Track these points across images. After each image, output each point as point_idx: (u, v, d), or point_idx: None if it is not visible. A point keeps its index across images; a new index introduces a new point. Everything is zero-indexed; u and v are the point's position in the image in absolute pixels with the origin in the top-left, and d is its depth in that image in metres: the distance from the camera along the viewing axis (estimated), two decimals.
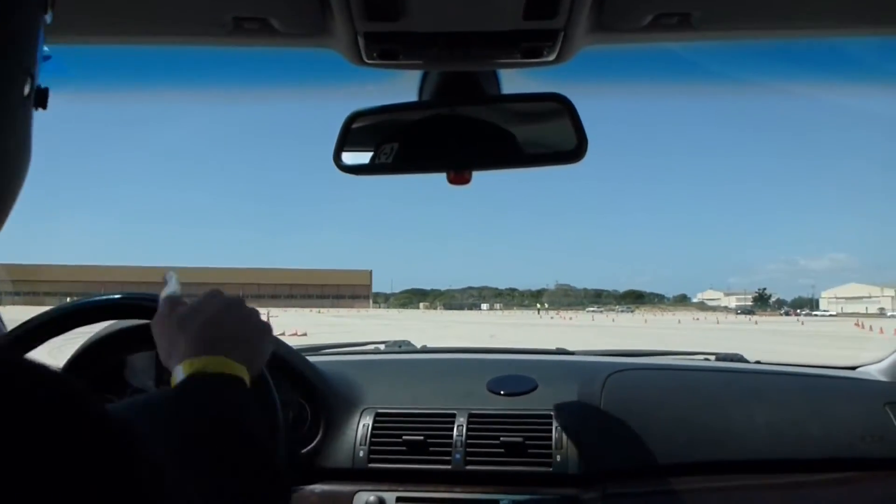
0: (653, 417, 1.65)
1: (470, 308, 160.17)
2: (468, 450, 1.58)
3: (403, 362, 2.05)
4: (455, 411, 1.64)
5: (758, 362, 2.07)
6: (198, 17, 1.06)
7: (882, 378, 1.83)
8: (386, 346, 2.34)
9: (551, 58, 1.13)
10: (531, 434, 1.58)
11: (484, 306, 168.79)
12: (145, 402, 0.85)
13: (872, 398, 1.71)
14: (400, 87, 1.32)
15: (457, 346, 2.37)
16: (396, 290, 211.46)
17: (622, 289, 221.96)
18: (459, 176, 1.27)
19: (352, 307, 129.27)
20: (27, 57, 0.54)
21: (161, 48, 1.25)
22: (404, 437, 1.60)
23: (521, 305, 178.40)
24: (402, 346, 2.35)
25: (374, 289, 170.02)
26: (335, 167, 1.28)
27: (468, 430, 1.60)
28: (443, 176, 1.28)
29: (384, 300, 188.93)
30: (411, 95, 1.32)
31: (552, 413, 1.62)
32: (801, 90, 1.65)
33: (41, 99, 0.59)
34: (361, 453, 1.60)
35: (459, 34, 1.07)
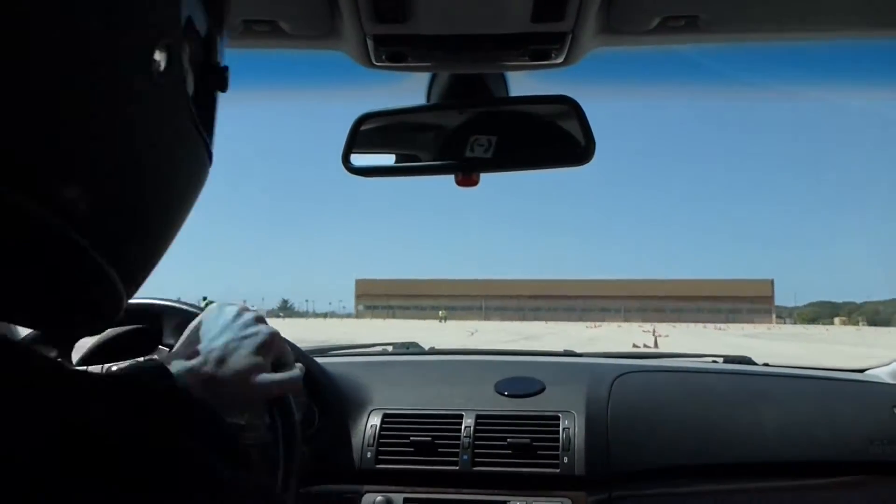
0: (660, 420, 1.65)
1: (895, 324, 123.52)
2: (476, 451, 1.58)
3: (411, 363, 2.05)
4: (463, 412, 1.65)
5: (766, 364, 2.06)
6: None
7: (890, 381, 1.82)
8: (394, 348, 2.35)
9: (559, 60, 1.13)
10: (538, 436, 1.59)
11: None
12: None
13: (881, 401, 1.70)
14: (408, 89, 1.32)
15: (464, 348, 2.37)
16: (800, 303, 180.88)
17: None
18: (467, 178, 1.28)
19: (750, 322, 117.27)
20: (154, 19, 0.39)
21: None
22: (412, 438, 1.60)
23: None
24: (410, 348, 2.35)
25: (776, 301, 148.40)
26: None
27: (476, 431, 1.61)
28: None
29: (787, 314, 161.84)
30: (420, 98, 1.33)
31: (559, 415, 1.62)
32: (807, 93, 1.65)
33: (216, 80, 0.46)
34: (369, 454, 1.61)
35: (467, 37, 1.07)
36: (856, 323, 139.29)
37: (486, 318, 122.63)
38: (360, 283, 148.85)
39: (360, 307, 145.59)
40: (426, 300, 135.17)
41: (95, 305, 0.43)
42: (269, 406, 1.25)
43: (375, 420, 1.66)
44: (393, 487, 1.58)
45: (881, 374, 1.88)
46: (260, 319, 0.99)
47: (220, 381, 0.88)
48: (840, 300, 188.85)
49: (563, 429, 1.59)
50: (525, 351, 2.27)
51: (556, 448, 1.57)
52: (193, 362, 0.88)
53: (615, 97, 1.61)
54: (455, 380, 1.82)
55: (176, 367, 0.85)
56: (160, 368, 0.81)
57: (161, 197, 0.44)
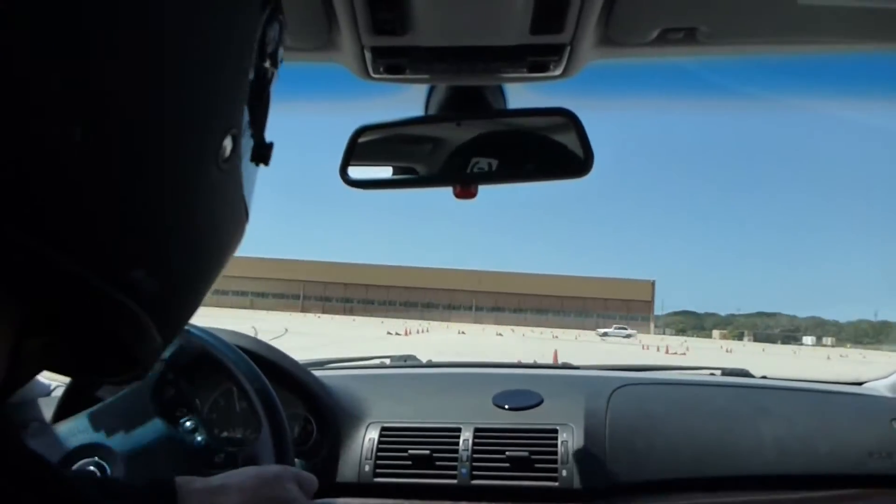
0: (658, 432, 1.64)
1: (783, 342, 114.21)
2: (474, 464, 1.57)
3: (409, 376, 2.04)
4: (461, 426, 1.64)
5: (764, 377, 2.06)
6: None
7: (889, 394, 1.82)
8: (391, 361, 2.34)
9: (558, 72, 1.13)
10: (537, 448, 1.58)
11: (807, 340, 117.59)
12: None
13: (880, 414, 1.70)
14: (406, 101, 1.32)
15: (462, 361, 2.36)
16: (666, 311, 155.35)
17: None
18: (465, 190, 1.27)
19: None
20: (228, 113, 0.44)
21: None
22: (410, 452, 1.60)
23: (857, 341, 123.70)
24: (408, 361, 2.34)
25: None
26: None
27: (474, 444, 1.60)
28: None
29: (661, 323, 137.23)
30: (418, 110, 1.33)
31: (558, 428, 1.61)
32: (807, 105, 1.65)
33: (262, 155, 0.49)
34: (367, 467, 1.60)
35: (466, 49, 1.07)
36: (737, 336, 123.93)
37: (305, 309, 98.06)
38: None
39: None
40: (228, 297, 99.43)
41: (136, 359, 0.45)
42: (261, 419, 1.24)
43: (373, 433, 1.65)
44: (391, 501, 1.57)
45: (880, 387, 1.87)
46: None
47: None
48: (702, 311, 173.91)
49: (562, 442, 1.59)
50: (523, 364, 2.26)
51: (555, 461, 1.56)
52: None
53: (613, 109, 1.61)
54: (453, 393, 1.81)
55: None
56: None
57: (210, 265, 0.47)
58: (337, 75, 1.19)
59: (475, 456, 1.58)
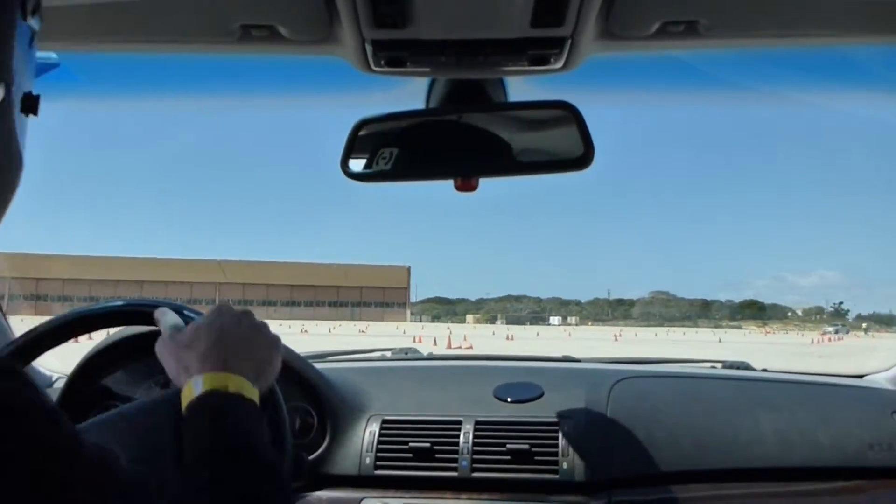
0: (659, 425, 1.64)
1: (532, 322, 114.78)
2: (475, 457, 1.57)
3: (410, 369, 2.05)
4: (461, 418, 1.64)
5: (764, 370, 2.06)
6: (206, 24, 1.06)
7: (890, 386, 1.82)
8: (392, 353, 2.34)
9: (558, 65, 1.13)
10: (538, 441, 1.58)
11: (554, 320, 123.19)
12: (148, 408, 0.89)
13: (880, 406, 1.70)
14: (407, 94, 1.32)
15: (463, 354, 2.36)
16: (418, 298, 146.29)
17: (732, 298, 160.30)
18: (466, 183, 1.27)
19: (381, 319, 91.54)
20: (1, 65, 0.52)
21: (169, 56, 1.26)
22: (411, 444, 1.60)
23: (598, 319, 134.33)
24: (409, 353, 2.34)
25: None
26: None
27: (475, 437, 1.60)
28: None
29: (417, 311, 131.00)
30: (418, 103, 1.33)
31: (559, 420, 1.62)
32: (806, 98, 1.65)
33: (30, 105, 0.57)
34: (368, 460, 1.60)
35: (467, 42, 1.07)
36: (490, 320, 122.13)
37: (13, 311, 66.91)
38: None
39: None
40: None
41: None
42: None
43: (374, 426, 1.65)
44: (392, 493, 1.57)
45: (880, 380, 1.88)
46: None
47: None
48: (453, 297, 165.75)
49: (563, 434, 1.59)
50: (524, 356, 2.26)
51: (556, 454, 1.56)
52: None
53: (614, 103, 1.61)
54: (454, 385, 1.81)
55: None
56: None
57: None
58: (338, 69, 1.19)
59: (476, 448, 1.59)
